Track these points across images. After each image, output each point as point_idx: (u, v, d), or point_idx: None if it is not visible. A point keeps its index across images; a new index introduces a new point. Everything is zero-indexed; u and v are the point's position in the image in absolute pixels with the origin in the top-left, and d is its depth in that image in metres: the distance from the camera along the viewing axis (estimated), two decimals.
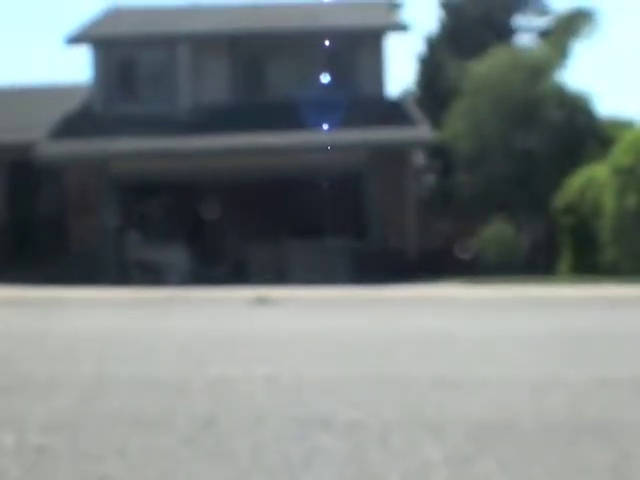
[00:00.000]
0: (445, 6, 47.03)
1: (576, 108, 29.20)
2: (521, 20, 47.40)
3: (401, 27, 25.00)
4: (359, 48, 24.36)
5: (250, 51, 24.55)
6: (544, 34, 42.96)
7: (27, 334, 7.37)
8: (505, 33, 41.46)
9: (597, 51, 76.49)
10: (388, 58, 24.69)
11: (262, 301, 11.98)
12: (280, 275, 20.00)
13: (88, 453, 3.49)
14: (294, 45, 24.08)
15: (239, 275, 20.23)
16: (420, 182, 38.38)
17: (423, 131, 22.55)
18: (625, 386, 4.94)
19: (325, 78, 24.43)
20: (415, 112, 24.35)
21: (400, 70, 74.70)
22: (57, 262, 19.75)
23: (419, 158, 28.26)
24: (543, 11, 46.58)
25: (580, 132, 28.92)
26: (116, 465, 3.32)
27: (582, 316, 9.76)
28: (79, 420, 4.07)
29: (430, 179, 42.57)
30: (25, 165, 21.57)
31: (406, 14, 27.00)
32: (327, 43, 24.30)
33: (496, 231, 21.92)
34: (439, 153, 34.24)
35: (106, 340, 6.98)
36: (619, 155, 18.83)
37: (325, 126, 21.71)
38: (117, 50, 24.13)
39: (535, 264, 21.27)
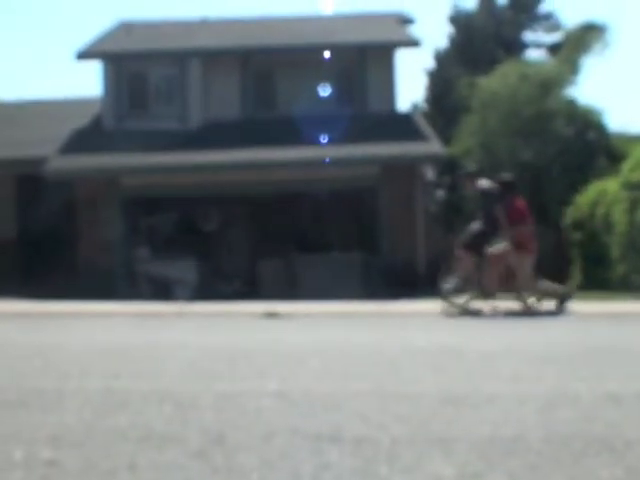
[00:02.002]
0: (455, 21, 47.14)
1: (586, 123, 29.16)
2: (531, 35, 47.49)
3: (413, 43, 25.05)
4: (370, 63, 24.42)
5: (260, 66, 24.63)
6: (554, 49, 42.99)
7: (36, 348, 7.38)
8: (515, 48, 41.52)
9: (607, 66, 76.55)
10: (398, 73, 24.73)
11: (272, 316, 11.99)
12: (290, 289, 20.01)
13: (98, 468, 3.50)
14: (304, 60, 24.13)
15: (249, 290, 20.25)
16: (430, 197, 38.41)
17: (433, 146, 22.57)
18: (634, 402, 4.93)
19: (335, 93, 24.49)
20: (425, 127, 24.37)
21: (409, 85, 74.77)
22: (66, 276, 19.79)
23: (429, 173, 28.26)
24: (553, 26, 46.64)
25: (590, 147, 28.88)
26: None
27: (591, 331, 9.74)
28: (89, 434, 4.08)
29: (440, 194, 42.63)
30: (35, 179, 21.65)
31: (416, 29, 26.99)
32: (338, 58, 24.39)
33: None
34: (448, 168, 34.28)
35: (115, 354, 6.99)
36: (629, 170, 18.80)
37: (335, 141, 21.76)
38: (127, 65, 24.23)
39: (544, 279, 21.18)
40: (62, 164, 21.62)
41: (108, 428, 4.20)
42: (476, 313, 12.88)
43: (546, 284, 13.46)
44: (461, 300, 13.31)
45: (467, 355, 6.89)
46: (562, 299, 13.38)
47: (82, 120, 24.81)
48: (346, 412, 4.54)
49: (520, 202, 13.47)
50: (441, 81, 44.72)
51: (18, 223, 24.08)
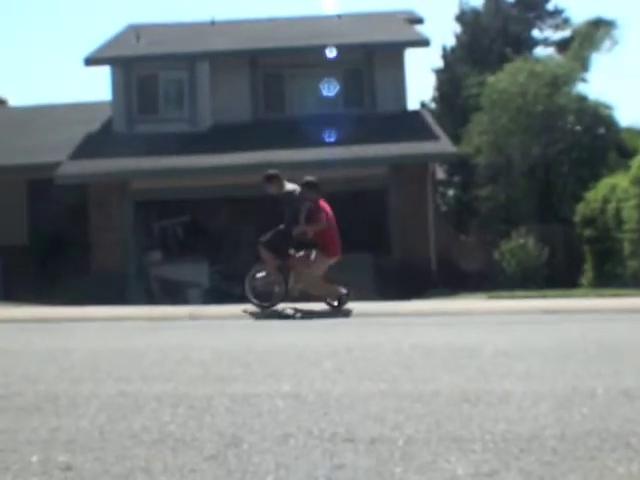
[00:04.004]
0: (462, 20, 47.10)
1: (596, 119, 29.11)
2: (539, 33, 47.41)
3: (422, 42, 25.05)
4: (379, 63, 24.43)
5: (269, 68, 24.65)
6: (562, 46, 42.91)
7: (49, 353, 7.40)
8: (523, 46, 41.44)
9: (616, 62, 76.36)
10: (407, 72, 24.74)
11: (284, 317, 11.99)
12: (302, 291, 19.98)
13: (113, 471, 3.51)
14: (313, 61, 24.13)
15: None
16: (441, 196, 38.40)
17: (443, 145, 22.56)
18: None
19: (344, 93, 24.49)
20: (435, 126, 24.36)
21: (418, 84, 74.70)
22: (78, 281, 19.82)
23: (439, 172, 28.25)
24: (561, 23, 46.54)
25: (600, 143, 28.82)
26: None
27: (604, 328, 9.71)
28: (104, 438, 4.09)
29: (450, 193, 42.61)
30: (46, 184, 21.70)
31: (424, 28, 26.95)
32: (347, 59, 24.39)
33: (517, 244, 21.86)
34: (459, 167, 34.27)
35: (129, 358, 7.00)
36: (639, 166, 18.76)
37: (344, 141, 21.76)
38: (136, 69, 24.29)
39: (556, 276, 21.19)
40: (73, 168, 21.68)
41: (123, 432, 4.21)
42: (280, 314, 12.83)
43: (333, 286, 13.41)
44: (268, 301, 13.33)
45: (480, 354, 6.88)
46: (340, 301, 13.34)
47: (92, 125, 24.89)
48: (361, 412, 4.54)
49: (324, 204, 13.49)
50: (449, 80, 44.73)
51: (30, 228, 24.15)
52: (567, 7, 55.32)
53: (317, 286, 13.30)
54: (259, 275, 13.49)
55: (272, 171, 13.86)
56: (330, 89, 24.42)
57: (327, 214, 13.47)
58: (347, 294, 13.42)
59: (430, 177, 23.05)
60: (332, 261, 13.55)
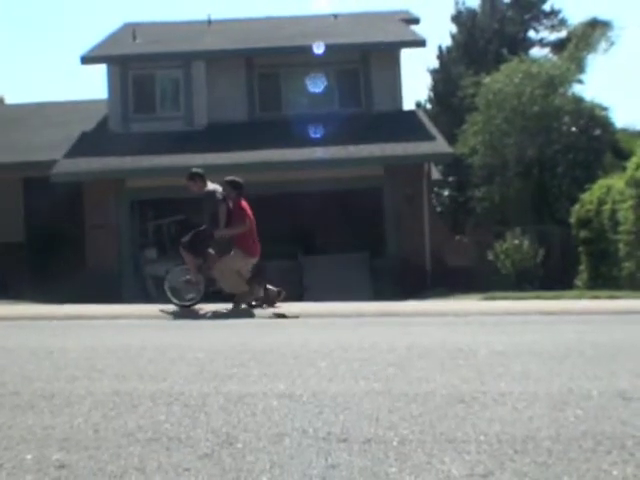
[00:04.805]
0: (458, 20, 47.13)
1: (592, 120, 29.15)
2: (535, 33, 47.44)
3: (418, 43, 25.06)
4: (375, 63, 24.44)
5: (265, 67, 24.65)
6: (558, 47, 42.97)
7: (45, 351, 7.39)
8: (519, 46, 41.51)
9: (613, 63, 76.47)
10: (403, 72, 24.76)
11: (279, 317, 11.98)
12: (297, 290, 20.00)
13: (107, 470, 3.51)
14: (309, 61, 24.13)
15: None
16: (436, 196, 38.41)
17: (439, 145, 22.58)
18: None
19: (340, 93, 24.49)
20: (430, 126, 24.38)
21: (413, 84, 74.77)
22: (74, 279, 19.78)
23: (435, 173, 28.27)
24: (557, 24, 46.58)
25: (596, 144, 28.87)
26: None
27: (600, 329, 9.72)
28: (98, 436, 4.08)
29: (446, 193, 42.64)
30: (42, 182, 21.67)
31: (419, 28, 26.97)
32: (343, 58, 24.40)
33: (512, 244, 21.87)
34: (454, 167, 34.30)
35: (123, 356, 6.99)
36: (634, 168, 18.76)
37: (340, 141, 21.76)
38: (132, 68, 24.28)
39: (551, 277, 21.21)
40: (69, 167, 21.66)
41: (117, 430, 4.21)
42: (196, 314, 12.86)
43: (252, 287, 13.45)
44: (186, 301, 13.37)
45: (475, 354, 6.88)
46: (267, 302, 13.38)
47: (88, 123, 24.87)
48: (355, 413, 4.54)
49: (245, 204, 13.52)
50: (445, 80, 44.78)
51: (26, 225, 24.13)
52: (563, 8, 55.33)
53: (231, 283, 13.29)
54: (180, 275, 13.57)
55: (195, 170, 13.89)
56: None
57: (249, 215, 13.50)
58: (272, 297, 13.44)
59: (425, 177, 23.06)
60: (253, 261, 13.59)
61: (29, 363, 6.63)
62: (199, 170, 13.84)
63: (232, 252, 13.31)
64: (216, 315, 12.65)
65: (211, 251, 13.42)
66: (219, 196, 13.37)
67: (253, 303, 13.40)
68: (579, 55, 36.27)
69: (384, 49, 24.78)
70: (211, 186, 13.55)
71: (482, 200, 33.61)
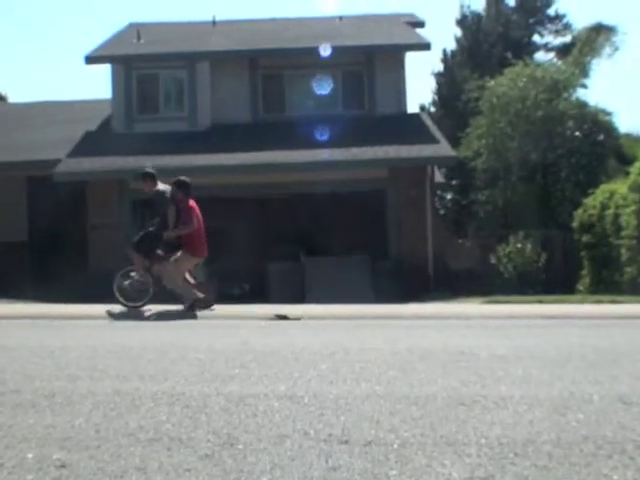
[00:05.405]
0: (463, 24, 47.12)
1: (596, 125, 29.13)
2: (539, 38, 47.42)
3: (423, 46, 25.04)
4: (379, 66, 24.43)
5: (269, 69, 24.64)
6: (563, 51, 42.96)
7: (47, 350, 7.40)
8: (523, 51, 41.49)
9: (617, 68, 76.44)
10: (407, 75, 24.76)
11: (281, 318, 11.98)
12: (299, 292, 19.99)
13: (108, 470, 3.51)
14: (313, 63, 24.11)
15: (258, 292, 20.24)
16: (439, 200, 38.40)
17: (442, 148, 22.56)
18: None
19: (344, 95, 24.49)
20: (434, 129, 24.36)
21: (417, 87, 74.79)
22: (75, 278, 19.78)
23: (438, 176, 28.28)
24: (562, 29, 46.55)
25: (600, 149, 28.84)
26: None
27: (601, 334, 9.71)
28: (99, 436, 4.09)
29: (449, 197, 42.63)
30: (45, 181, 21.67)
31: (424, 31, 26.95)
32: (347, 61, 24.40)
33: (514, 248, 21.86)
34: (458, 171, 34.30)
35: (125, 356, 6.99)
36: (637, 173, 18.76)
37: (343, 143, 21.75)
38: (137, 68, 24.27)
39: (553, 281, 21.19)
40: (72, 166, 21.66)
41: (118, 430, 4.21)
42: (143, 315, 12.88)
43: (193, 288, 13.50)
44: (134, 301, 13.40)
45: (476, 358, 6.88)
46: (205, 305, 13.40)
47: (92, 123, 24.87)
48: (356, 415, 4.54)
49: (193, 204, 13.56)
50: (449, 83, 44.77)
51: (28, 225, 24.12)
52: (568, 12, 55.22)
53: (178, 285, 13.34)
54: (129, 275, 13.61)
55: (148, 169, 13.94)
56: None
57: (197, 215, 13.55)
58: (207, 298, 13.48)
59: (429, 180, 23.04)
60: (198, 260, 13.66)
61: (30, 362, 6.64)
62: (150, 170, 13.92)
63: (179, 253, 13.38)
64: (161, 316, 12.69)
65: (159, 252, 13.49)
66: (169, 196, 13.45)
67: (197, 302, 13.48)
68: (583, 60, 36.29)
69: (389, 52, 24.77)
70: (161, 186, 13.64)
71: (485, 204, 33.61)
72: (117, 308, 13.26)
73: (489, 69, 36.71)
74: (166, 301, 13.59)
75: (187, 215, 13.34)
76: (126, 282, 13.56)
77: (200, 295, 13.38)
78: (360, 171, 21.82)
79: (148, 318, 12.69)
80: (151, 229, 13.57)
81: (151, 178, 13.69)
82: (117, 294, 13.50)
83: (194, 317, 12.57)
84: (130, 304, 13.37)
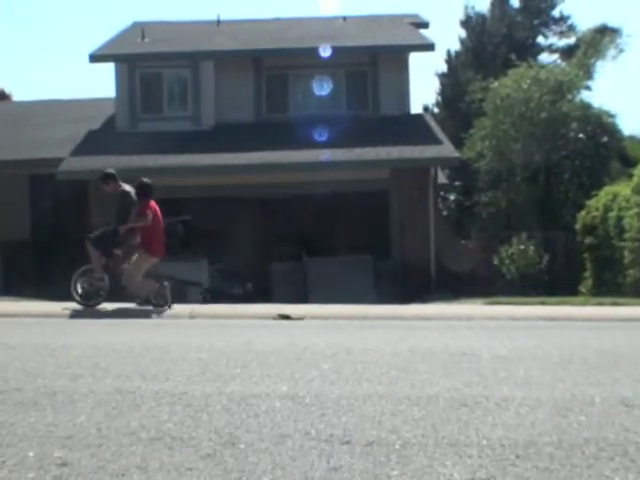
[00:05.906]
0: (467, 25, 47.09)
1: (600, 127, 29.10)
2: (544, 39, 47.39)
3: (427, 47, 25.03)
4: (383, 66, 24.42)
5: (273, 69, 24.64)
6: (567, 53, 42.93)
7: (49, 348, 7.40)
8: (528, 52, 41.45)
9: (621, 69, 76.41)
10: (411, 76, 24.75)
11: (284, 318, 11.98)
12: (302, 292, 19.99)
13: (109, 468, 3.51)
14: (318, 63, 24.10)
15: (260, 292, 20.23)
16: (442, 200, 38.39)
17: (446, 149, 22.55)
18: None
19: (348, 96, 24.48)
20: (437, 130, 24.36)
21: (421, 87, 74.75)
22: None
23: (441, 176, 28.27)
24: (566, 31, 46.52)
25: (603, 151, 28.82)
26: None
27: (604, 336, 9.70)
28: (100, 435, 4.09)
29: (452, 197, 42.62)
30: (48, 180, 21.68)
31: (428, 32, 26.93)
32: (351, 61, 24.40)
33: (517, 249, 21.85)
34: (461, 172, 34.30)
35: (127, 356, 6.99)
36: None
37: (347, 144, 21.75)
38: (141, 67, 24.27)
39: (556, 283, 21.17)
40: (75, 165, 21.65)
41: (120, 429, 4.21)
42: (99, 313, 12.90)
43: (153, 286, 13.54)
44: (90, 299, 13.42)
45: (478, 359, 6.88)
46: (159, 303, 13.44)
47: (95, 121, 24.88)
48: (358, 415, 4.54)
49: (154, 205, 13.65)
50: (453, 84, 44.76)
51: (31, 223, 24.12)
52: (572, 14, 55.23)
53: (137, 284, 13.40)
54: (85, 273, 13.63)
55: (109, 170, 14.04)
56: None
57: (155, 214, 13.62)
58: (161, 296, 13.53)
59: (432, 181, 23.03)
60: (155, 260, 13.72)
61: (32, 360, 6.64)
62: (111, 171, 14.03)
63: (137, 254, 13.46)
64: (117, 314, 12.73)
65: (118, 252, 13.54)
66: (134, 197, 13.56)
67: (153, 302, 13.55)
68: (588, 62, 36.25)
69: (393, 52, 24.76)
70: (125, 187, 13.75)
71: (488, 205, 33.61)
72: (72, 305, 13.31)
73: (493, 70, 36.68)
74: (122, 299, 13.68)
75: (143, 209, 13.45)
76: (83, 280, 13.60)
77: (153, 294, 13.50)
78: (363, 172, 21.81)
79: (105, 316, 12.70)
80: (110, 227, 13.65)
81: (112, 179, 13.81)
82: (73, 292, 13.52)
83: (149, 316, 12.64)
84: (86, 302, 13.41)
